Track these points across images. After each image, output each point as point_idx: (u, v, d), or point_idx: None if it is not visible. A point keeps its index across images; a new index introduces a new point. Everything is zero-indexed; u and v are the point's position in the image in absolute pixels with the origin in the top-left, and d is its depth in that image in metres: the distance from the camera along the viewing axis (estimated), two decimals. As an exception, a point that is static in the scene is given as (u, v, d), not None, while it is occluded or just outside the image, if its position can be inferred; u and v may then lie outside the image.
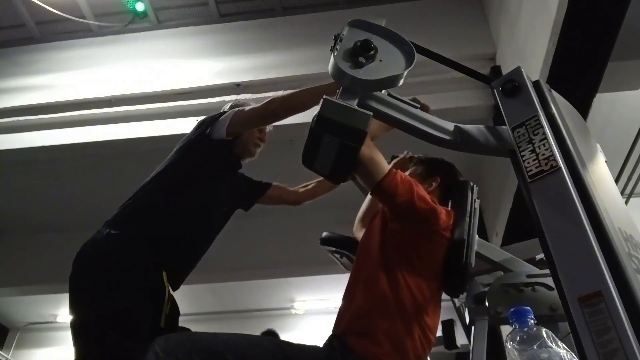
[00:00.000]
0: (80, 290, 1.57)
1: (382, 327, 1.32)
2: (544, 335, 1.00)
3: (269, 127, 2.02)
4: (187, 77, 3.96)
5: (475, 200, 1.65)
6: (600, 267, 0.85)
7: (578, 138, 1.10)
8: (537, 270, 1.63)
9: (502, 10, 3.60)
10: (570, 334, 0.86)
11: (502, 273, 1.69)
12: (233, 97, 1.93)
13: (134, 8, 4.21)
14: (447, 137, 1.17)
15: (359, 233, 1.87)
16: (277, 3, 4.27)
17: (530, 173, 1.02)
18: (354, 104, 1.11)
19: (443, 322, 1.83)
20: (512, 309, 1.07)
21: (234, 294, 6.33)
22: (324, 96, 1.09)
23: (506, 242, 3.81)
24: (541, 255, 1.60)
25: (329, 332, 1.40)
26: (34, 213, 5.27)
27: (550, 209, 0.97)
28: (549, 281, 1.54)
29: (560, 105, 1.17)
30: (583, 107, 2.78)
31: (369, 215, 1.90)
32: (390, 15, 3.83)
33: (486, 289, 1.67)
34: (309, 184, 2.15)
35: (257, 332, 1.49)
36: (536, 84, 1.18)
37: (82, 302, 1.56)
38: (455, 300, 1.87)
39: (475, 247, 1.53)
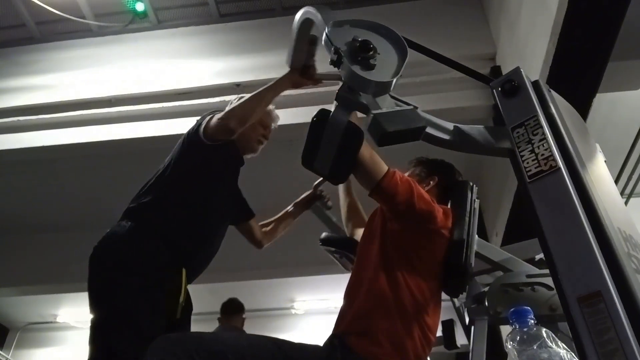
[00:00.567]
0: (102, 287, 1.58)
1: (382, 327, 1.32)
2: (544, 335, 1.00)
3: (273, 125, 2.02)
4: (187, 77, 3.97)
5: (475, 200, 1.65)
6: (600, 267, 0.85)
7: (577, 138, 1.10)
8: (537, 270, 1.63)
9: (502, 10, 3.60)
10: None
11: (502, 273, 1.69)
12: (233, 97, 1.92)
13: (134, 8, 4.21)
14: (447, 137, 1.17)
15: (355, 233, 1.88)
16: (277, 3, 4.28)
17: (529, 173, 1.02)
18: (393, 106, 1.10)
19: (443, 322, 1.83)
20: (512, 309, 1.07)
21: (234, 294, 6.33)
22: (373, 113, 1.05)
23: (506, 242, 3.81)
24: (541, 255, 1.60)
25: (329, 332, 1.40)
26: (34, 213, 5.27)
27: (549, 209, 0.97)
28: (549, 281, 1.54)
29: (559, 105, 1.17)
30: (583, 107, 2.78)
31: (354, 214, 1.92)
32: (390, 15, 3.85)
33: (486, 289, 1.67)
34: (269, 224, 2.12)
35: (257, 332, 1.49)
36: (535, 84, 1.18)
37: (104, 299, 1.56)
38: (455, 300, 1.87)
39: (475, 247, 1.53)
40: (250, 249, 2.13)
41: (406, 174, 1.59)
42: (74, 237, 4.97)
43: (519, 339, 1.01)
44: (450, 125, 1.18)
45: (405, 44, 1.14)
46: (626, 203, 3.85)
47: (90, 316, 1.55)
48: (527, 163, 1.03)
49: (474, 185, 1.70)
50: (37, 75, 4.19)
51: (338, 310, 1.46)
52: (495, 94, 1.19)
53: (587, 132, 1.35)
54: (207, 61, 4.02)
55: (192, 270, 1.74)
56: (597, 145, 1.32)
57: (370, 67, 1.09)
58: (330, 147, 1.19)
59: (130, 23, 4.34)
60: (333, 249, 1.93)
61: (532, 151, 1.04)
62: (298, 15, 1.39)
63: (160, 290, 1.57)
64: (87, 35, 4.42)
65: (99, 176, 4.74)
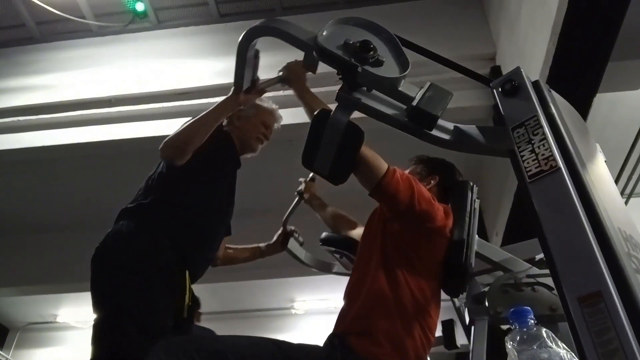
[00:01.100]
0: (105, 285, 1.58)
1: (383, 327, 1.33)
2: (544, 335, 1.00)
3: (276, 125, 2.02)
4: (187, 77, 3.96)
5: (475, 200, 1.65)
6: (600, 267, 0.85)
7: (578, 138, 1.10)
8: (537, 270, 1.63)
9: (502, 10, 3.60)
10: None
11: (502, 273, 1.69)
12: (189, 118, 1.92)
13: (134, 8, 4.21)
14: (447, 137, 1.16)
15: (353, 233, 1.88)
16: (277, 3, 4.28)
17: (529, 173, 1.02)
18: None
19: (443, 322, 1.83)
20: (512, 309, 1.07)
21: (234, 294, 6.33)
22: (413, 104, 1.09)
23: (506, 242, 3.81)
24: (541, 255, 1.60)
25: (329, 332, 1.40)
26: (34, 213, 5.27)
27: (549, 209, 0.97)
28: (549, 281, 1.54)
29: (559, 105, 1.17)
30: (583, 107, 2.78)
31: (339, 220, 1.98)
32: (390, 15, 3.85)
33: (486, 289, 1.67)
34: (234, 249, 2.08)
35: (257, 332, 1.49)
36: (536, 84, 1.18)
37: (107, 297, 1.56)
38: (455, 300, 1.87)
39: (475, 247, 1.53)
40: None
41: (406, 172, 1.60)
42: (74, 237, 4.97)
43: (519, 339, 1.01)
44: (450, 125, 1.18)
45: (391, 32, 1.15)
46: (626, 203, 3.85)
47: (93, 315, 1.55)
48: (528, 163, 1.03)
49: (474, 185, 1.70)
50: (37, 75, 4.19)
51: (338, 310, 1.46)
52: (496, 94, 1.19)
53: (587, 132, 1.35)
54: (207, 61, 4.01)
55: (194, 272, 1.74)
56: (598, 145, 1.32)
57: (380, 64, 1.09)
58: (330, 147, 1.19)
59: (130, 23, 4.34)
60: (333, 249, 1.93)
61: (533, 151, 1.04)
62: (246, 36, 1.35)
63: (164, 290, 1.57)
64: (87, 35, 4.42)
65: (99, 176, 4.74)
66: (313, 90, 1.59)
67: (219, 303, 6.31)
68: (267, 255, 2.13)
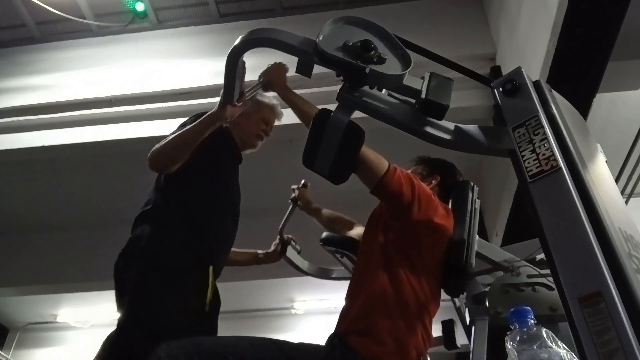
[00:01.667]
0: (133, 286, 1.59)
1: (384, 326, 1.33)
2: (544, 335, 1.00)
3: (276, 121, 2.01)
4: (187, 77, 3.96)
5: (475, 200, 1.65)
6: (600, 267, 0.85)
7: (578, 138, 1.10)
8: (537, 270, 1.63)
9: (502, 10, 3.60)
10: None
11: (502, 273, 1.69)
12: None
13: (134, 8, 4.22)
14: (447, 137, 1.16)
15: (351, 233, 1.88)
16: (277, 3, 4.28)
17: (530, 173, 1.02)
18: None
19: (443, 322, 1.83)
20: (512, 309, 1.07)
21: (234, 294, 6.32)
22: (423, 97, 1.10)
23: (506, 242, 3.81)
24: (541, 255, 1.60)
25: (329, 332, 1.40)
26: (34, 213, 5.26)
27: (550, 209, 0.97)
28: (549, 281, 1.54)
29: (560, 105, 1.16)
30: (583, 107, 2.78)
31: (335, 221, 1.99)
32: (390, 15, 3.85)
33: (486, 289, 1.67)
34: (232, 251, 2.03)
35: (257, 332, 1.49)
36: (536, 84, 1.18)
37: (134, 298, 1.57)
38: (456, 300, 1.87)
39: (475, 247, 1.53)
40: (250, 249, 2.13)
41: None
42: (74, 237, 4.97)
43: (519, 339, 1.01)
44: (450, 125, 1.18)
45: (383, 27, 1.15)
46: (626, 203, 3.85)
47: (117, 315, 1.57)
48: (528, 163, 1.03)
49: (475, 185, 1.70)
50: (37, 75, 4.19)
51: (338, 310, 1.46)
52: (496, 94, 1.19)
53: (588, 132, 1.35)
54: (207, 61, 4.01)
55: (217, 267, 1.75)
56: (598, 145, 1.32)
57: (383, 61, 1.09)
58: (331, 147, 1.19)
59: (130, 23, 4.34)
60: (334, 249, 1.93)
61: (533, 151, 1.04)
62: (235, 50, 1.29)
63: (190, 289, 1.60)
64: (87, 35, 4.42)
65: (99, 176, 4.74)
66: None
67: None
68: (263, 263, 2.13)
